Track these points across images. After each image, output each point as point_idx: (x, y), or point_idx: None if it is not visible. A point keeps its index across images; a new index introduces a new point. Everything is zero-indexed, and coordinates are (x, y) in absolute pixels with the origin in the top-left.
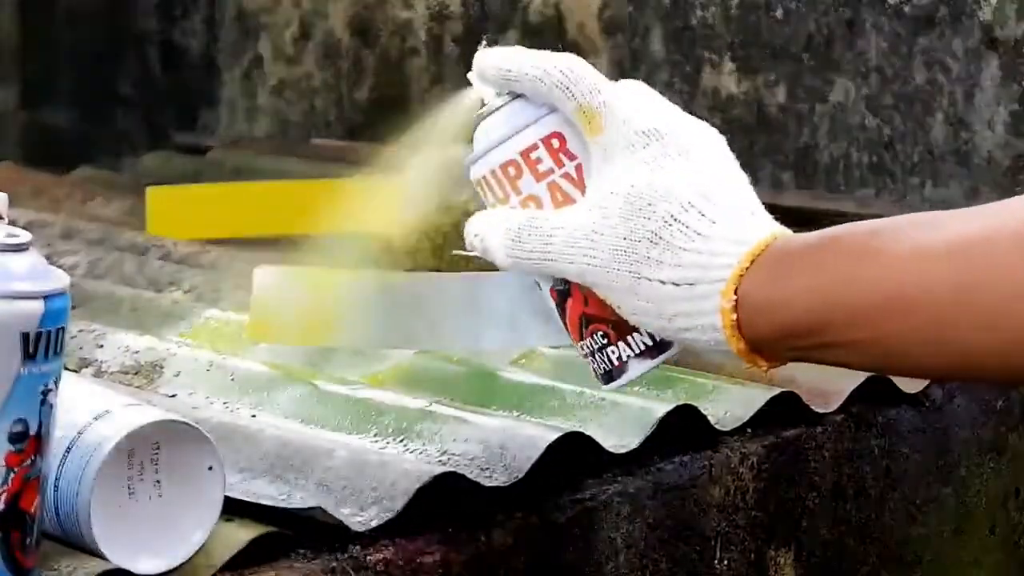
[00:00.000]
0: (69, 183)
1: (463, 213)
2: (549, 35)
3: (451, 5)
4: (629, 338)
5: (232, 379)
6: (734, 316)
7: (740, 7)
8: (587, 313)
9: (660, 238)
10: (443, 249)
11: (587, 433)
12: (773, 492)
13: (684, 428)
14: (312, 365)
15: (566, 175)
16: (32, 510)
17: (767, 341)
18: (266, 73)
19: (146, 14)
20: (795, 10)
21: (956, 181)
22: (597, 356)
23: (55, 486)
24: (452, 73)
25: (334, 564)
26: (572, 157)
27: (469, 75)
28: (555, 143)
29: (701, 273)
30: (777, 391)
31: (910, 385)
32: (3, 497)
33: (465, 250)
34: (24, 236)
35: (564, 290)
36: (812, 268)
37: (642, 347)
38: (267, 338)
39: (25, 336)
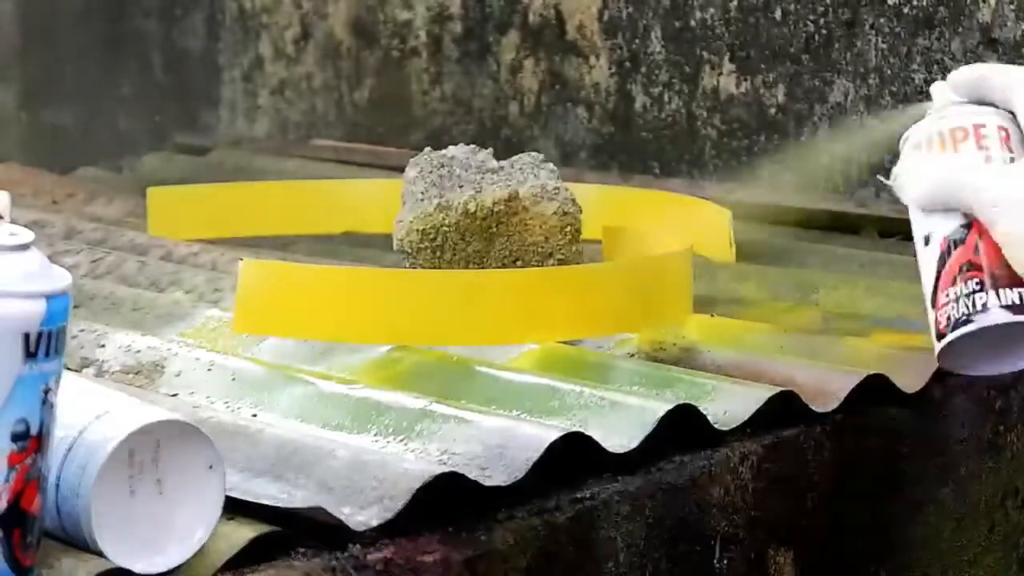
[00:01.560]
0: (70, 183)
1: (463, 213)
2: (549, 35)
3: (451, 5)
4: (1001, 291)
5: (233, 379)
6: None
7: (739, 8)
8: (972, 261)
9: None
10: (443, 249)
11: (587, 433)
12: (773, 492)
13: (684, 428)
14: (313, 363)
15: (1002, 160)
16: (33, 509)
17: None
18: (266, 73)
19: (146, 14)
20: (794, 11)
21: None
22: (960, 302)
23: (56, 485)
24: (452, 73)
25: (334, 564)
26: (1011, 150)
27: (933, 86)
28: (1002, 133)
29: None
30: (777, 391)
31: (910, 385)
32: (5, 496)
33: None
34: (26, 235)
35: (958, 239)
36: None
37: (1010, 302)
38: (253, 330)
39: (26, 336)
